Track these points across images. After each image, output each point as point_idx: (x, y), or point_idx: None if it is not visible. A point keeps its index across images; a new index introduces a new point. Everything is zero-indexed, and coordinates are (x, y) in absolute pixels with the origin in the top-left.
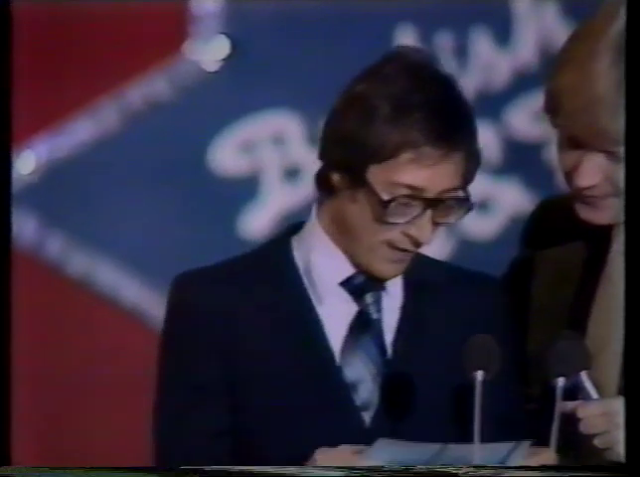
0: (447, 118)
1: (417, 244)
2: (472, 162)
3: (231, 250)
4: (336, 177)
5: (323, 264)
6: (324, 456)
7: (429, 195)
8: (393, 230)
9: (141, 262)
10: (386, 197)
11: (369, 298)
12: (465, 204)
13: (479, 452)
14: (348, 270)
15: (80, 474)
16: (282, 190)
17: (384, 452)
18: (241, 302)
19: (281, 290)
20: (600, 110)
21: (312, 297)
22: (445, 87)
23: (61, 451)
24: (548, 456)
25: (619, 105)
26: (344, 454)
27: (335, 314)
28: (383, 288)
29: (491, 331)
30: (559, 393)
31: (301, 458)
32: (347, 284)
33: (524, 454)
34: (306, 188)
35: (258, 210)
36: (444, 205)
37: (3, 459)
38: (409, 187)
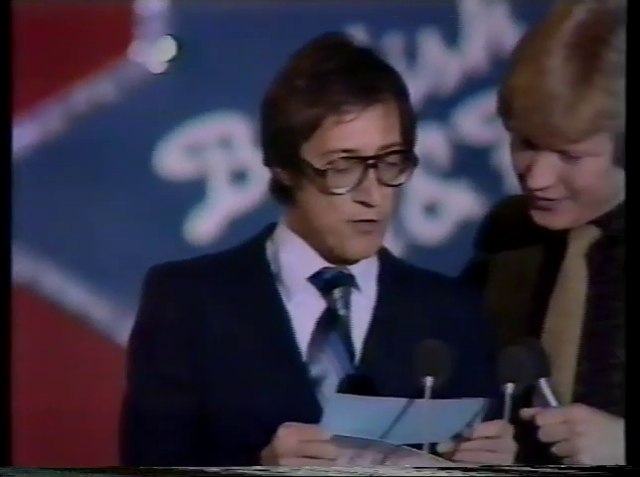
0: (363, 76)
1: (370, 208)
2: (405, 118)
3: (178, 255)
4: (282, 174)
5: (293, 261)
6: (286, 430)
7: (366, 153)
8: (344, 203)
9: (87, 267)
10: (321, 166)
11: (337, 294)
12: (409, 160)
13: (431, 425)
14: (317, 265)
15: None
16: (230, 193)
17: (340, 418)
18: (213, 298)
19: (252, 288)
20: (553, 108)
21: (282, 295)
22: (360, 53)
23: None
24: (503, 427)
25: (572, 103)
26: (305, 427)
27: (304, 311)
28: (353, 284)
29: (464, 337)
30: (507, 400)
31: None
32: (315, 279)
33: (478, 413)
34: (254, 191)
35: (206, 214)
36: (386, 163)
37: (3, 459)
38: (342, 150)
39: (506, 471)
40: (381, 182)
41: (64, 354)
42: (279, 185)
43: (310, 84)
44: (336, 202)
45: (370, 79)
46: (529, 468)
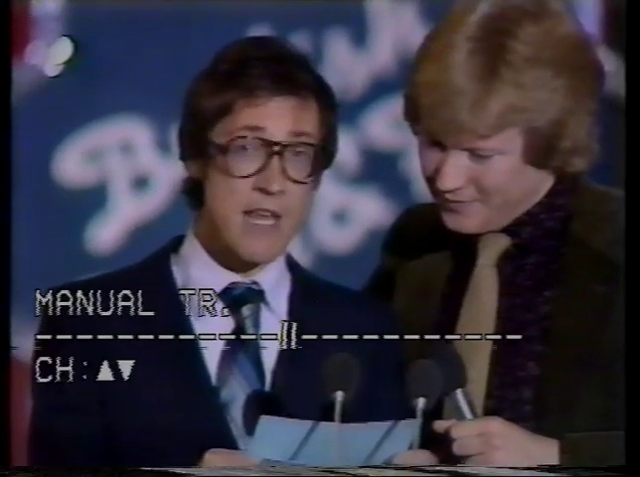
0: (287, 68)
1: (269, 195)
2: (325, 122)
3: (78, 263)
4: (193, 167)
5: (201, 277)
6: (213, 456)
7: (273, 137)
8: (244, 189)
9: None
10: (224, 142)
11: (246, 311)
12: (319, 158)
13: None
14: (225, 280)
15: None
16: (131, 200)
17: (267, 442)
18: (116, 318)
19: (158, 306)
20: (460, 103)
21: (190, 312)
22: (275, 45)
23: None
24: (426, 457)
25: (479, 98)
26: (233, 453)
27: (212, 330)
28: (263, 300)
29: (375, 353)
30: (419, 415)
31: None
32: (224, 296)
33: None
34: (156, 198)
35: (107, 221)
36: (293, 153)
37: (3, 459)
38: (246, 128)
39: None
40: (285, 174)
41: None
42: (190, 182)
43: (231, 69)
44: (236, 188)
45: (293, 71)
46: (527, 471)
